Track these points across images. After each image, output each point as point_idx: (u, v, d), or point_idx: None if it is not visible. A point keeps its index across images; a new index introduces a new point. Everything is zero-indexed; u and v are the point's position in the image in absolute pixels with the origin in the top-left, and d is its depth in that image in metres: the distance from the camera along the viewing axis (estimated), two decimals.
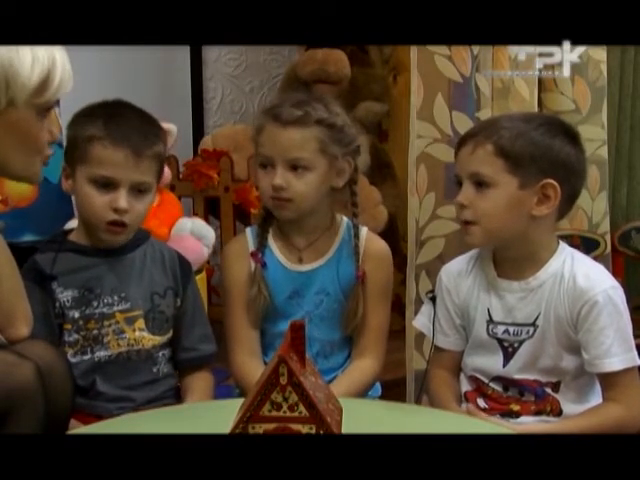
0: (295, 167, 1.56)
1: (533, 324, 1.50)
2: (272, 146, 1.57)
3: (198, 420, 1.39)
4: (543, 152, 1.45)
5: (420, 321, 1.64)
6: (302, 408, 1.06)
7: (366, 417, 1.36)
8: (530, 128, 1.46)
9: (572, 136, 1.50)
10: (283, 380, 1.06)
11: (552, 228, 1.52)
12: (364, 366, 1.65)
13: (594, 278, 1.47)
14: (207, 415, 1.42)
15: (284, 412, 1.06)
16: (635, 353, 1.46)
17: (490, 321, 1.53)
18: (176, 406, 1.52)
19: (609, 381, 1.46)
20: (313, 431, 1.06)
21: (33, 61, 1.18)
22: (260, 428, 1.07)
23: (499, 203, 1.45)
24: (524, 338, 1.50)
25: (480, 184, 1.46)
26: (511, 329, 1.52)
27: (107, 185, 1.49)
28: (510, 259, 1.52)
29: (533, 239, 1.49)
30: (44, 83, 1.21)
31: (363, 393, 1.65)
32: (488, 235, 1.48)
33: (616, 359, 1.44)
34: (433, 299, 1.60)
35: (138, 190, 1.51)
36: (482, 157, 1.45)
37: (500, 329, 1.52)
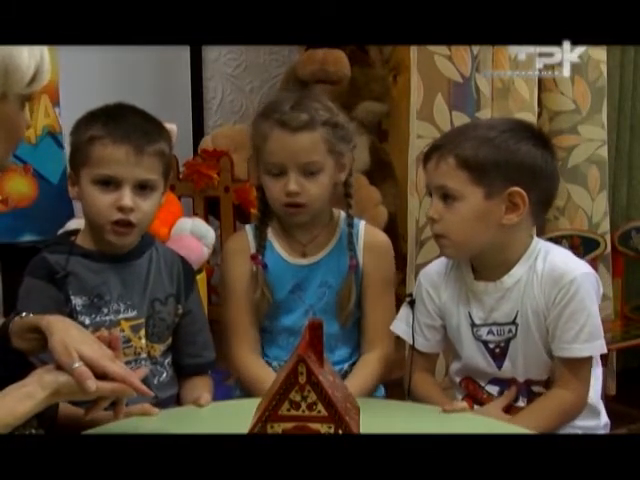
0: (307, 171, 1.57)
1: (513, 322, 1.49)
2: (282, 153, 1.56)
3: (206, 421, 1.39)
4: (507, 159, 1.42)
5: (398, 327, 1.61)
6: (321, 407, 1.06)
7: (382, 416, 1.35)
8: (494, 135, 1.44)
9: (540, 139, 1.47)
10: (302, 379, 1.06)
11: (527, 233, 1.50)
12: (372, 359, 1.65)
13: (566, 266, 1.46)
14: (213, 416, 1.40)
15: (303, 411, 1.06)
16: (602, 341, 1.46)
17: (473, 324, 1.52)
18: (182, 407, 1.51)
19: (569, 366, 1.45)
20: (332, 430, 1.06)
21: (30, 53, 1.17)
22: (279, 427, 1.06)
23: (466, 216, 1.44)
24: (509, 337, 1.49)
25: (447, 197, 1.45)
26: (494, 329, 1.50)
27: (110, 184, 1.47)
28: (487, 264, 1.51)
29: (508, 246, 1.48)
30: (36, 75, 1.20)
31: (376, 386, 1.66)
32: (459, 248, 1.48)
33: (587, 345, 1.43)
34: (412, 303, 1.59)
35: (142, 188, 1.49)
36: (445, 171, 1.44)
37: (484, 331, 1.51)
